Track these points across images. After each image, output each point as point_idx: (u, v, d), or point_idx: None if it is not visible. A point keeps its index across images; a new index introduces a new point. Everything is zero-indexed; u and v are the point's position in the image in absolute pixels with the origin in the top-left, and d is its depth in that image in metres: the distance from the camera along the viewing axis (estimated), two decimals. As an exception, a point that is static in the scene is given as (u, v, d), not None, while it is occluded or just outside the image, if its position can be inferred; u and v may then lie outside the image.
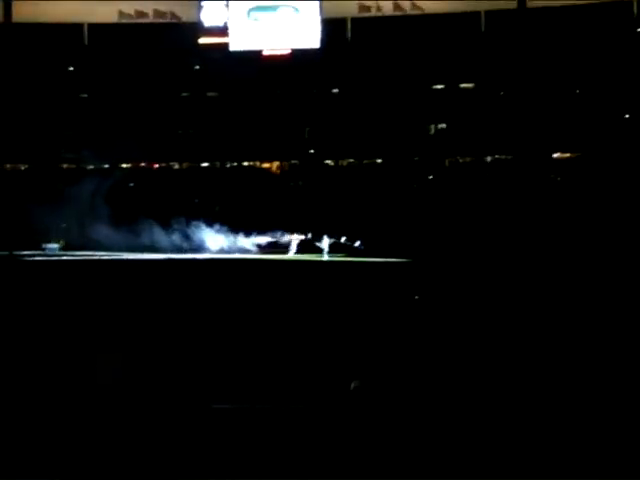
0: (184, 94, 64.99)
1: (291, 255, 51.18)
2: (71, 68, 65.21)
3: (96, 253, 49.85)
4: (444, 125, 63.67)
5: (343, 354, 19.69)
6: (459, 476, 14.20)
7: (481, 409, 16.43)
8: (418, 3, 62.10)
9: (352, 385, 17.02)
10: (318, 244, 50.75)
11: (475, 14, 62.11)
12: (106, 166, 63.03)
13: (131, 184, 61.73)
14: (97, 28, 64.02)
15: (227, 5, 63.90)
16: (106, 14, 63.35)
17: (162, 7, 63.66)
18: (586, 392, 17.52)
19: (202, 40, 63.60)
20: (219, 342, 22.09)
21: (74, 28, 63.75)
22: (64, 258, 49.59)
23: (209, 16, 63.66)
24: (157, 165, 65.07)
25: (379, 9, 62.63)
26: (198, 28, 63.46)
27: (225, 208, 57.62)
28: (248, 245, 51.99)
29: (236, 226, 52.44)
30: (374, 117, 61.46)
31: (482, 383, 17.93)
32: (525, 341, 22.37)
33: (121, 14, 63.73)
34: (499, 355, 20.55)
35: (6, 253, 47.52)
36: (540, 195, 56.04)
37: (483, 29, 62.35)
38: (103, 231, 50.13)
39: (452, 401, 16.93)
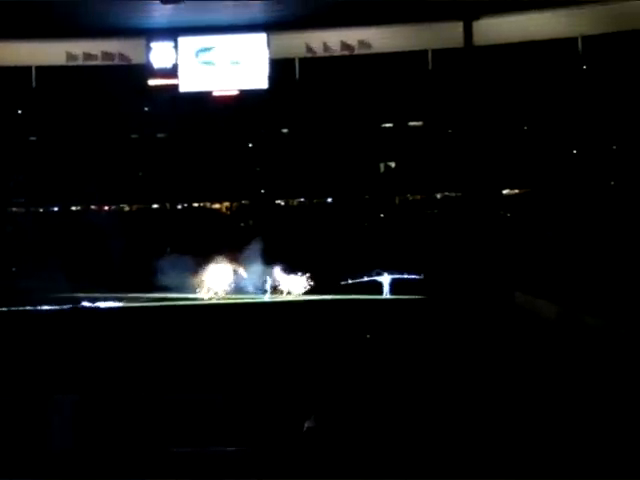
0: (134, 136, 64.88)
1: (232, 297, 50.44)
2: (20, 111, 64.96)
3: None
4: (393, 163, 64.04)
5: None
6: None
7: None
8: (366, 41, 62.47)
9: (305, 425, 16.83)
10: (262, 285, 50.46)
11: (422, 52, 62.64)
12: (56, 209, 62.74)
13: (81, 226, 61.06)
14: (45, 70, 63.85)
15: (176, 47, 63.96)
16: (54, 56, 63.10)
17: (110, 48, 63.44)
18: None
19: (151, 82, 63.59)
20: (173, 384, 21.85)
21: (22, 71, 63.44)
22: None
23: (158, 58, 63.58)
24: (107, 207, 64.66)
25: (326, 49, 62.97)
26: (147, 70, 63.49)
27: (176, 248, 57.21)
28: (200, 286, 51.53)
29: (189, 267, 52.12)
30: (324, 156, 61.62)
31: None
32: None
33: (69, 56, 63.46)
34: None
35: None
36: (490, 231, 56.40)
37: (430, 67, 62.95)
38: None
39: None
